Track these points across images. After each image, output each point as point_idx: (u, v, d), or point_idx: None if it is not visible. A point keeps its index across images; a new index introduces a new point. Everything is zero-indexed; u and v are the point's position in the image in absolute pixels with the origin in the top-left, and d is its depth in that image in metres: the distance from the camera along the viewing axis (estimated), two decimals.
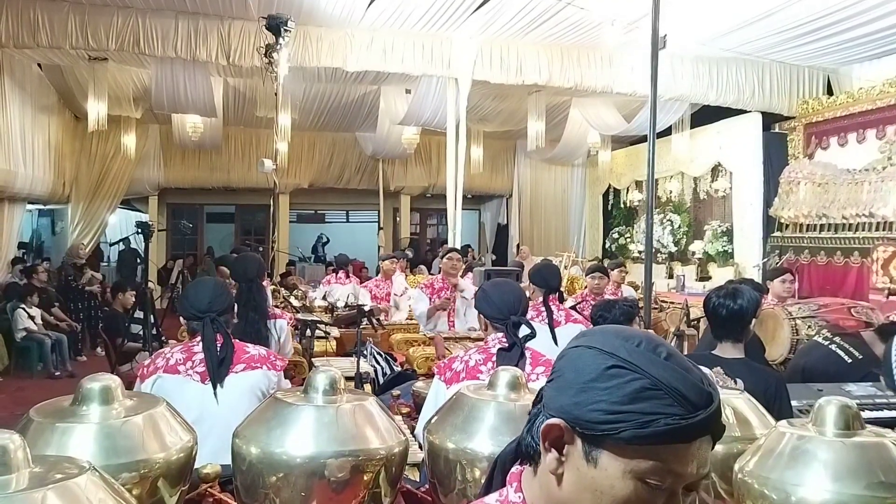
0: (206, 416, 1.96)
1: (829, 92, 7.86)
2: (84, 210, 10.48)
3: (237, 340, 2.23)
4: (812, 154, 7.62)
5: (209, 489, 1.52)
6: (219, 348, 2.10)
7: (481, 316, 2.32)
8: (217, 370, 2.06)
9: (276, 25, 5.96)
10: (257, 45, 6.48)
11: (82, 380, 1.35)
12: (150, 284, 5.35)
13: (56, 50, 6.64)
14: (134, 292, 5.94)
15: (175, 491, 1.33)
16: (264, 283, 3.48)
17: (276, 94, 6.84)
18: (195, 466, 1.48)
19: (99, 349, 7.82)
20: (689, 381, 0.70)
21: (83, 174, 10.43)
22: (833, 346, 3.20)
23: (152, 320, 4.67)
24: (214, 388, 2.05)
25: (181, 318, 2.43)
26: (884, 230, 6.35)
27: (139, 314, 5.10)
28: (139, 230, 4.86)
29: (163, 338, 4.80)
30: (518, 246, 11.64)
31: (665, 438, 0.68)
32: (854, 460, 1.14)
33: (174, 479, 1.32)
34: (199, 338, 2.14)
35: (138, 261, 10.46)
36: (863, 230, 6.61)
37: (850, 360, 3.09)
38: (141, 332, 4.79)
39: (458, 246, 7.28)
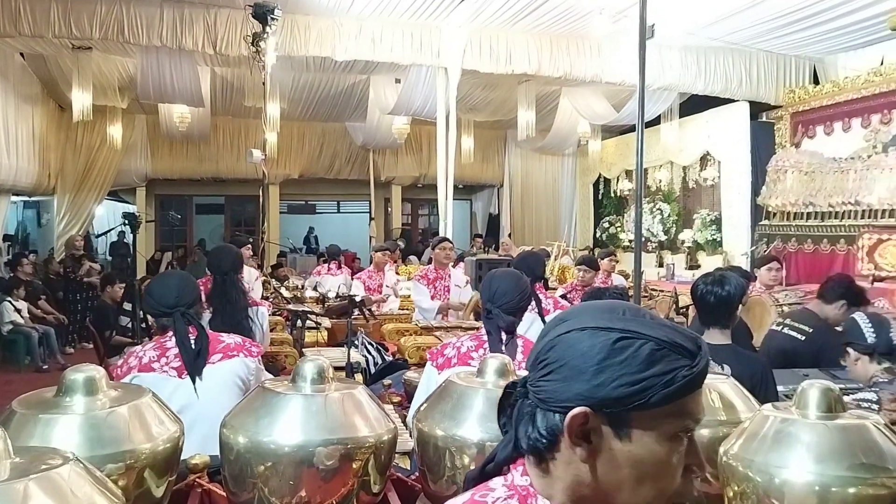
0: (187, 411, 1.92)
1: (815, 81, 7.91)
2: (70, 202, 10.35)
3: (211, 331, 2.19)
4: (799, 143, 7.67)
5: (197, 480, 1.51)
6: (193, 341, 2.06)
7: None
8: (194, 363, 2.03)
9: (262, 14, 5.90)
10: (244, 34, 6.40)
11: (66, 370, 1.33)
12: (138, 276, 5.31)
13: (39, 39, 6.52)
14: (122, 284, 5.90)
15: (162, 482, 1.33)
16: (244, 275, 3.43)
17: (263, 84, 6.78)
18: (183, 458, 1.47)
19: (87, 342, 7.77)
20: (681, 333, 0.74)
21: (69, 165, 10.30)
22: (785, 330, 3.25)
23: (140, 313, 4.63)
24: (193, 381, 2.02)
25: (149, 316, 2.36)
26: (869, 218, 6.41)
27: (128, 306, 5.06)
28: (126, 221, 4.81)
29: (151, 331, 4.77)
30: (510, 235, 11.67)
31: (686, 389, 0.71)
32: (836, 442, 1.16)
33: (161, 469, 1.31)
34: (170, 333, 2.09)
35: (130, 253, 10.38)
36: (848, 218, 6.68)
37: (803, 338, 3.15)
38: (130, 325, 4.76)
39: (449, 236, 7.27)
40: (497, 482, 0.78)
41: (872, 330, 2.22)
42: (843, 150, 7.03)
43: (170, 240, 12.58)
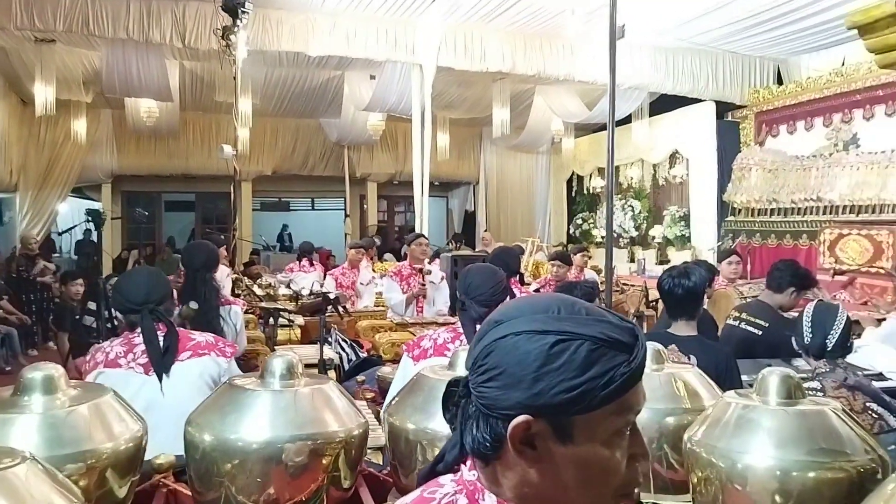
0: (153, 408, 1.89)
1: (779, 81, 8.10)
2: (33, 199, 10.06)
3: (181, 329, 2.16)
4: (763, 141, 7.85)
5: (162, 479, 1.49)
6: (162, 338, 2.03)
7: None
8: (161, 360, 1.99)
9: (232, 7, 5.80)
10: (214, 27, 6.29)
11: (23, 369, 1.30)
12: (104, 275, 5.18)
13: (0, 31, 6.33)
14: (81, 281, 5.73)
15: (125, 482, 1.30)
16: (216, 273, 3.36)
17: (235, 79, 6.66)
18: (148, 457, 1.44)
19: (52, 343, 7.56)
20: (616, 326, 0.71)
21: (31, 161, 10.00)
22: (742, 325, 3.30)
23: (106, 312, 4.52)
24: (160, 378, 1.98)
25: (118, 313, 2.31)
26: (830, 214, 6.60)
27: (92, 305, 4.93)
28: (89, 218, 4.69)
29: (118, 330, 4.66)
30: (486, 230, 11.72)
31: (627, 385, 0.70)
32: (796, 428, 1.19)
33: (123, 469, 1.29)
34: (139, 330, 2.05)
35: (96, 251, 10.14)
36: (810, 214, 6.87)
37: (759, 332, 3.20)
38: (94, 325, 4.64)
39: (425, 232, 7.26)
40: (446, 478, 0.77)
41: (811, 330, 2.24)
42: (806, 149, 7.23)
43: (137, 238, 12.30)
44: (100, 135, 10.51)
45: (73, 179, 10.40)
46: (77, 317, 5.10)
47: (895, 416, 1.91)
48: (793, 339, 2.32)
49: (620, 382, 0.69)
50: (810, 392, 1.97)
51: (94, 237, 10.34)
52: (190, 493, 1.43)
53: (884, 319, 3.85)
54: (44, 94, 7.34)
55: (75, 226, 9.90)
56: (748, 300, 3.80)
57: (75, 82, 8.52)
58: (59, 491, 0.92)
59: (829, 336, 2.20)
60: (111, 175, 11.14)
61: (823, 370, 2.14)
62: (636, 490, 0.74)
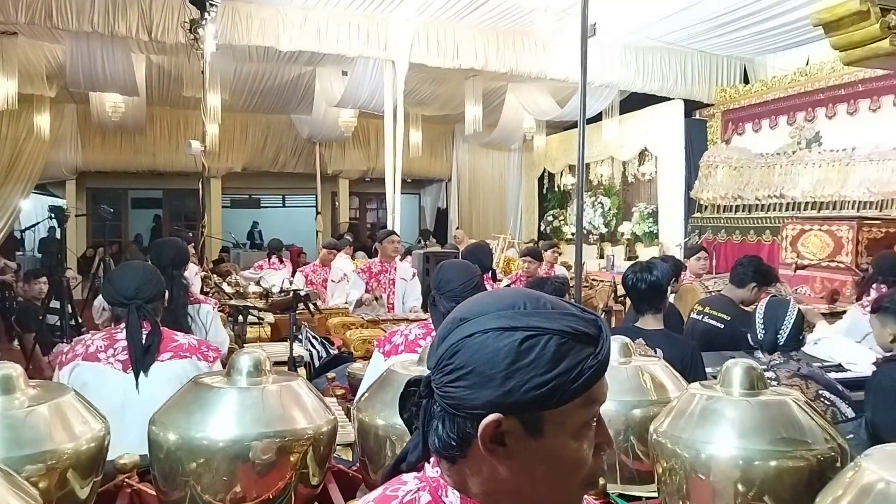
0: (127, 406, 1.86)
1: (746, 80, 8.27)
2: None
3: (165, 329, 2.13)
4: (729, 139, 8.02)
5: (126, 480, 1.46)
6: (145, 336, 2.00)
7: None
8: (141, 359, 1.96)
9: (200, 0, 5.69)
10: (181, 21, 6.16)
11: None
12: (68, 273, 5.05)
13: None
14: (45, 279, 5.56)
15: (87, 483, 1.27)
16: (185, 271, 3.30)
17: (203, 73, 6.54)
18: (113, 457, 1.41)
19: (15, 342, 7.34)
20: (581, 319, 0.71)
21: None
22: (705, 318, 3.39)
23: (70, 310, 4.41)
24: (137, 376, 1.95)
25: (105, 303, 2.28)
26: (793, 210, 6.78)
27: (56, 304, 4.81)
28: (52, 215, 4.56)
29: (83, 329, 4.55)
30: (458, 228, 11.74)
31: (594, 377, 0.70)
32: (758, 418, 1.22)
33: (85, 470, 1.26)
34: (123, 324, 2.02)
35: (60, 249, 9.84)
36: (774, 210, 7.05)
37: (722, 326, 3.29)
38: (58, 323, 4.53)
39: (397, 229, 7.24)
40: (409, 475, 0.77)
41: (763, 326, 2.30)
42: (770, 147, 7.40)
43: (102, 235, 11.99)
44: (64, 130, 10.23)
45: (36, 176, 10.10)
46: (41, 316, 4.97)
47: (847, 402, 1.97)
48: (748, 334, 2.39)
49: (589, 374, 0.69)
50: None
51: (59, 234, 10.05)
52: (154, 493, 1.40)
53: (830, 314, 3.97)
54: (5, 89, 7.11)
55: (38, 223, 9.62)
56: (713, 294, 3.88)
57: (38, 76, 8.27)
58: (15, 493, 0.89)
59: (781, 331, 2.26)
60: (75, 171, 10.86)
61: (778, 362, 2.20)
62: (600, 479, 0.75)
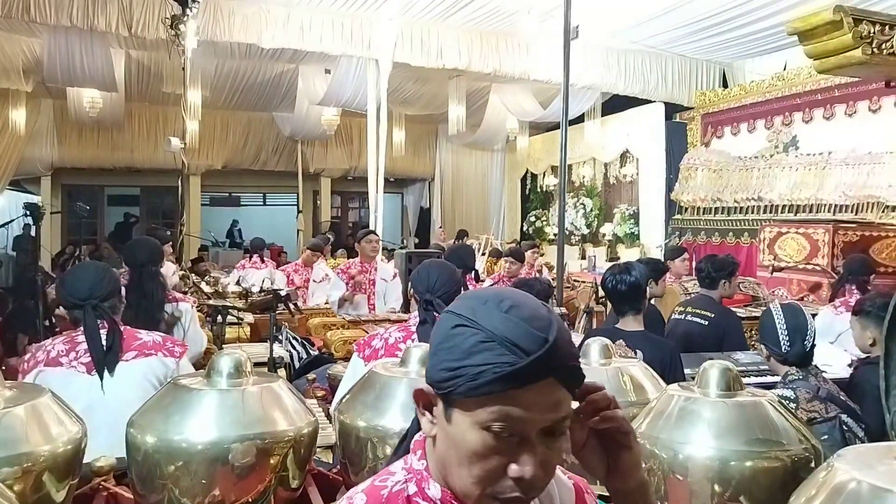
0: (94, 409, 1.82)
1: (725, 84, 8.41)
2: None
3: (128, 327, 2.09)
4: (708, 142, 8.14)
5: (102, 483, 1.44)
6: (104, 336, 1.96)
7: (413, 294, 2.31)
8: (103, 359, 1.92)
9: None
10: (162, 17, 6.08)
11: None
12: (41, 271, 4.94)
13: None
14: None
15: (63, 485, 1.25)
16: (162, 268, 3.26)
17: (183, 69, 6.47)
18: (88, 460, 1.39)
19: None
20: (522, 329, 0.70)
21: None
22: (688, 317, 3.45)
23: (41, 310, 4.32)
24: (101, 377, 1.91)
25: (61, 307, 2.24)
26: (770, 213, 6.90)
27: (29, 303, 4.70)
28: (27, 212, 4.47)
29: (56, 329, 4.46)
30: (441, 227, 11.74)
31: (496, 386, 0.69)
32: (734, 418, 1.24)
33: (61, 472, 1.24)
34: (82, 327, 1.98)
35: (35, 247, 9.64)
36: (752, 213, 7.17)
37: (706, 323, 3.36)
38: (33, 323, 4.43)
39: (379, 229, 7.22)
40: (398, 466, 0.81)
41: (788, 338, 2.11)
42: (748, 150, 7.52)
43: (78, 233, 11.79)
44: (40, 125, 10.04)
45: (10, 172, 9.90)
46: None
47: (861, 426, 1.95)
48: (762, 348, 2.22)
49: (490, 379, 0.69)
50: (783, 401, 1.98)
51: (34, 232, 9.85)
52: (131, 496, 1.38)
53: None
54: None
55: (13, 220, 9.42)
56: (693, 295, 3.94)
57: (14, 70, 8.10)
58: None
59: (807, 339, 2.11)
60: (51, 167, 10.66)
61: (795, 377, 2.08)
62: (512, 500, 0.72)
